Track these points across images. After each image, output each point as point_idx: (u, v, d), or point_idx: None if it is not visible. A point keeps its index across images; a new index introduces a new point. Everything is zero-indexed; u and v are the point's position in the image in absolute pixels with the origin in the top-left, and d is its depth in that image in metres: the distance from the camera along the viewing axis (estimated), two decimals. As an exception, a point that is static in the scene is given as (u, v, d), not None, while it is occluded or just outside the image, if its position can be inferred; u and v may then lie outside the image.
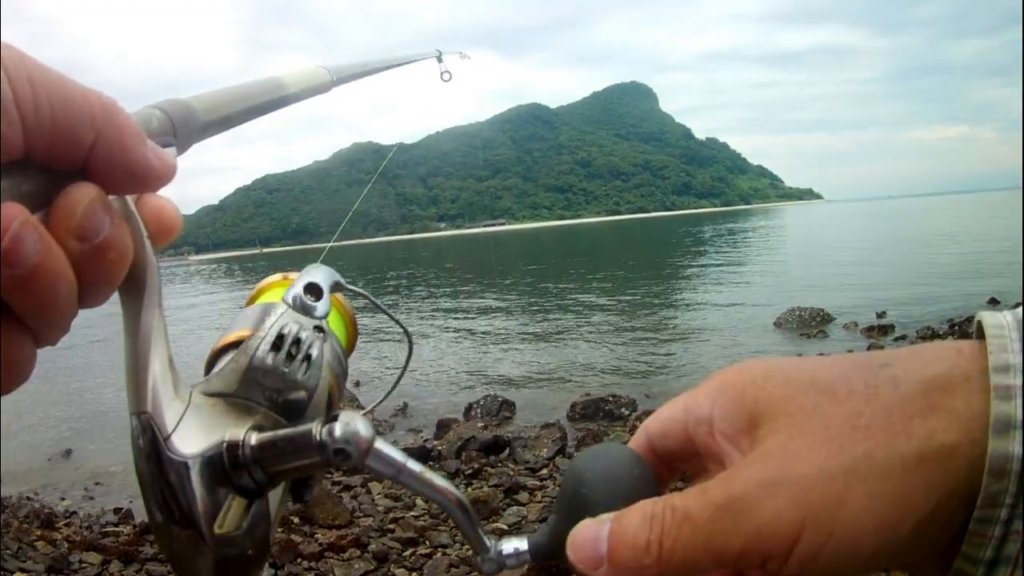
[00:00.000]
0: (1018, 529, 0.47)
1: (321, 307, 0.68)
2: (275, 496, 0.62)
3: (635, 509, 0.54)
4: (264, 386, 0.62)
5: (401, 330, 0.84)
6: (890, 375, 0.51)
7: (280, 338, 0.64)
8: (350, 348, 0.79)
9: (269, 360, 0.63)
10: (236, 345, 0.66)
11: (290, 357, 0.64)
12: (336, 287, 0.71)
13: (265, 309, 0.68)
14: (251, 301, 0.74)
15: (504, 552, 0.61)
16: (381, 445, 0.58)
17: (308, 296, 0.68)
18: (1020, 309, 0.51)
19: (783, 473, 0.49)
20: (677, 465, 0.64)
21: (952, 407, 0.48)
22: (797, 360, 0.56)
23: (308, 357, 0.65)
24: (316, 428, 0.57)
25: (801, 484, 0.48)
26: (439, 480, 0.61)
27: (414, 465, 0.60)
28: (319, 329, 0.67)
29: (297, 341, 0.65)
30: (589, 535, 0.54)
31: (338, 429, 0.56)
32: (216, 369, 0.64)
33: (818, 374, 0.53)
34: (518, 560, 0.61)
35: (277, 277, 0.75)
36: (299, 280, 0.69)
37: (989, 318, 0.52)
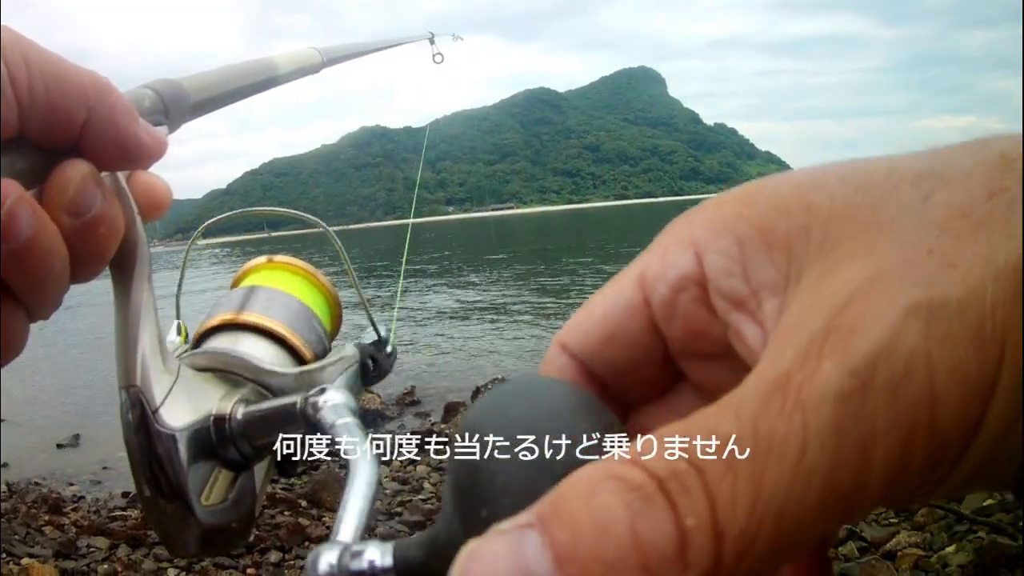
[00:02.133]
0: None
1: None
2: (261, 470, 0.63)
3: (603, 472, 0.27)
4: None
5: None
6: (994, 151, 0.29)
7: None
8: (334, 331, 0.79)
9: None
10: (222, 328, 0.68)
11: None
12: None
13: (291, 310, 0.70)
14: (236, 283, 0.75)
15: (353, 569, 0.39)
16: (338, 394, 0.58)
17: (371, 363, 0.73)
18: None
19: (941, 291, 0.26)
20: (626, 392, 0.40)
21: None
22: (829, 167, 0.33)
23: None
24: (300, 401, 0.58)
25: (978, 293, 0.26)
26: (361, 440, 0.53)
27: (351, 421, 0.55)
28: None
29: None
30: (507, 547, 0.26)
31: (321, 400, 0.58)
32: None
33: (898, 164, 0.31)
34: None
35: (262, 260, 0.76)
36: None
37: None
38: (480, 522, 0.30)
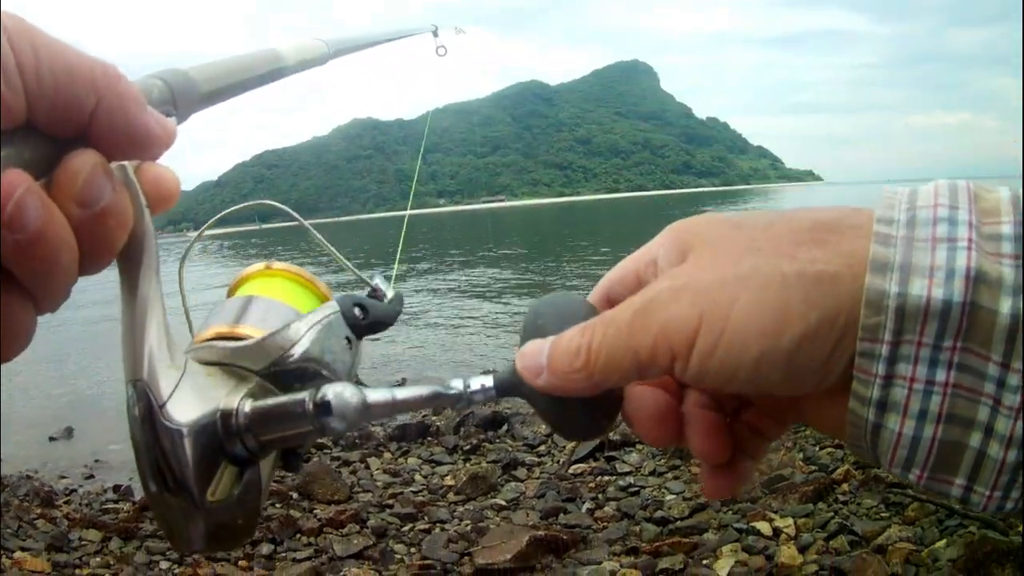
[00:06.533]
0: (904, 374, 0.50)
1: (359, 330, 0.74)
2: (266, 465, 0.63)
3: (575, 326, 0.60)
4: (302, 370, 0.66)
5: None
6: (788, 215, 0.58)
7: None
8: None
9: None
10: (217, 340, 0.66)
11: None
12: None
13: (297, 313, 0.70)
14: (232, 291, 0.73)
15: (472, 388, 0.63)
16: (374, 396, 0.61)
17: (359, 312, 0.73)
18: (924, 188, 0.55)
19: (689, 281, 0.56)
20: None
21: (838, 245, 0.53)
22: (733, 212, 0.62)
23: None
24: (308, 397, 0.58)
25: (700, 288, 0.55)
26: (424, 389, 0.63)
27: (404, 393, 0.63)
28: (348, 340, 0.71)
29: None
30: (535, 347, 0.61)
31: (330, 395, 0.58)
32: (245, 344, 0.65)
33: (736, 217, 0.61)
34: (484, 396, 0.64)
35: (259, 267, 0.74)
36: (350, 298, 0.74)
37: (890, 188, 0.56)
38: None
